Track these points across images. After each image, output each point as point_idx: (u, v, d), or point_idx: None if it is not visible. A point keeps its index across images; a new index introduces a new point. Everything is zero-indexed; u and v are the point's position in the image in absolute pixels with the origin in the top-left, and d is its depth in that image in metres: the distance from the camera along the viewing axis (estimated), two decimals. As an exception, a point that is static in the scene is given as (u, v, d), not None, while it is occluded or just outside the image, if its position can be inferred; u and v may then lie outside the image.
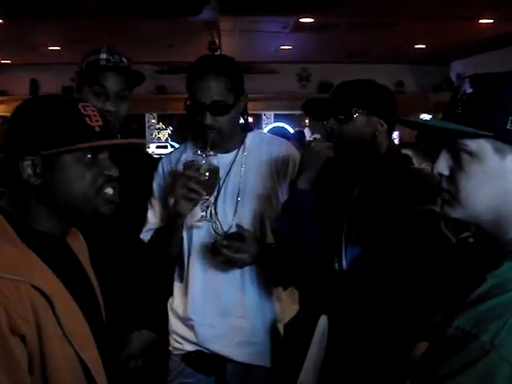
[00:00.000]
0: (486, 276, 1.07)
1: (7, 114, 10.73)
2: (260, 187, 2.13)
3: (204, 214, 2.07)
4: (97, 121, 1.35)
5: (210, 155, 1.98)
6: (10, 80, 9.97)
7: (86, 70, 2.18)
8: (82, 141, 1.30)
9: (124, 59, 2.21)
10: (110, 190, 1.38)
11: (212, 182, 2.00)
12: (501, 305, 1.01)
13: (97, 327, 1.40)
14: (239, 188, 2.12)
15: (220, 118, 2.02)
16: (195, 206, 2.00)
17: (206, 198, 2.01)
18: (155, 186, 2.23)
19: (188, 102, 2.06)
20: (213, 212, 2.12)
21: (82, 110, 1.33)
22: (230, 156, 2.16)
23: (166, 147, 11.07)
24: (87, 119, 1.33)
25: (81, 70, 2.22)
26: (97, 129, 1.34)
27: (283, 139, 2.32)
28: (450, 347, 1.04)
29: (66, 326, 1.27)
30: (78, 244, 1.53)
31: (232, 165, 2.14)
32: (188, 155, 2.16)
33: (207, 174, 1.96)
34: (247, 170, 2.14)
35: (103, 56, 2.16)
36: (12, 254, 1.26)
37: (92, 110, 1.35)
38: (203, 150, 2.00)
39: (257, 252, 2.04)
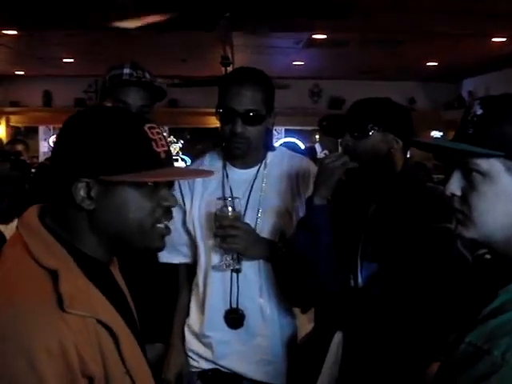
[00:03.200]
0: (498, 292, 1.08)
1: (20, 125, 10.85)
2: (280, 204, 2.13)
3: (229, 258, 2.08)
4: (162, 146, 1.22)
5: (235, 198, 2.02)
6: (24, 91, 10.06)
7: (109, 84, 2.20)
8: (146, 168, 1.18)
9: (147, 74, 2.23)
10: (163, 225, 1.27)
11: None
12: None
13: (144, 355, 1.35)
14: (259, 204, 2.12)
15: (250, 127, 2.02)
16: None
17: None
18: None
19: (220, 110, 2.06)
20: None
21: (148, 133, 1.20)
22: (251, 171, 2.16)
23: (176, 160, 11.10)
24: (153, 144, 1.20)
25: (104, 84, 2.23)
26: (162, 155, 1.21)
27: (303, 156, 2.32)
28: (463, 363, 1.05)
29: (128, 362, 1.21)
30: (116, 270, 1.43)
31: (254, 181, 2.14)
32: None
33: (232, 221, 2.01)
34: (268, 187, 2.14)
35: (126, 71, 2.18)
36: (75, 285, 1.14)
37: (158, 133, 1.22)
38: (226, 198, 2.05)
39: (251, 239, 2.04)
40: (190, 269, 2.26)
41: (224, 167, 2.18)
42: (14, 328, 1.06)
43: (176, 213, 2.18)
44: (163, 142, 1.23)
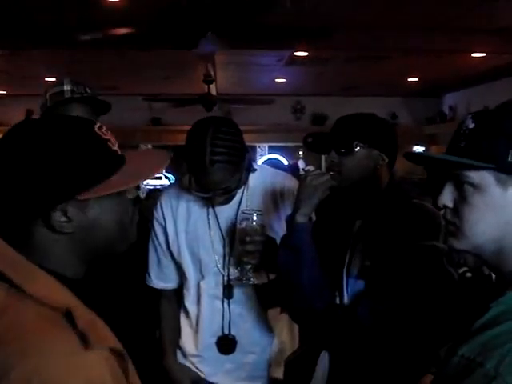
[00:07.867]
0: (490, 305, 1.08)
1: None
2: (266, 224, 2.09)
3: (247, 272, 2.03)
4: (115, 141, 1.17)
5: (259, 214, 1.98)
6: (6, 110, 9.96)
7: (53, 103, 2.18)
8: (114, 171, 1.12)
9: (88, 89, 2.21)
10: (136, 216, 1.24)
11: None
12: (505, 332, 1.02)
13: None
14: None
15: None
16: None
17: None
18: (156, 224, 2.19)
19: (195, 188, 2.03)
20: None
21: (101, 134, 1.14)
22: (235, 198, 2.12)
23: (160, 178, 11.07)
24: (110, 145, 1.15)
25: (45, 103, 2.21)
26: (119, 151, 1.17)
27: (286, 173, 2.31)
28: (456, 375, 1.04)
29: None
30: None
31: (239, 205, 2.12)
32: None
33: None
34: (253, 207, 2.09)
35: (67, 87, 2.17)
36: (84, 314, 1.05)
37: (107, 130, 1.16)
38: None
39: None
40: (176, 293, 2.25)
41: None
42: None
43: (160, 235, 2.17)
44: (114, 138, 1.17)
